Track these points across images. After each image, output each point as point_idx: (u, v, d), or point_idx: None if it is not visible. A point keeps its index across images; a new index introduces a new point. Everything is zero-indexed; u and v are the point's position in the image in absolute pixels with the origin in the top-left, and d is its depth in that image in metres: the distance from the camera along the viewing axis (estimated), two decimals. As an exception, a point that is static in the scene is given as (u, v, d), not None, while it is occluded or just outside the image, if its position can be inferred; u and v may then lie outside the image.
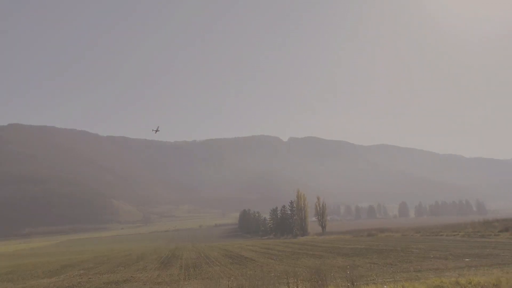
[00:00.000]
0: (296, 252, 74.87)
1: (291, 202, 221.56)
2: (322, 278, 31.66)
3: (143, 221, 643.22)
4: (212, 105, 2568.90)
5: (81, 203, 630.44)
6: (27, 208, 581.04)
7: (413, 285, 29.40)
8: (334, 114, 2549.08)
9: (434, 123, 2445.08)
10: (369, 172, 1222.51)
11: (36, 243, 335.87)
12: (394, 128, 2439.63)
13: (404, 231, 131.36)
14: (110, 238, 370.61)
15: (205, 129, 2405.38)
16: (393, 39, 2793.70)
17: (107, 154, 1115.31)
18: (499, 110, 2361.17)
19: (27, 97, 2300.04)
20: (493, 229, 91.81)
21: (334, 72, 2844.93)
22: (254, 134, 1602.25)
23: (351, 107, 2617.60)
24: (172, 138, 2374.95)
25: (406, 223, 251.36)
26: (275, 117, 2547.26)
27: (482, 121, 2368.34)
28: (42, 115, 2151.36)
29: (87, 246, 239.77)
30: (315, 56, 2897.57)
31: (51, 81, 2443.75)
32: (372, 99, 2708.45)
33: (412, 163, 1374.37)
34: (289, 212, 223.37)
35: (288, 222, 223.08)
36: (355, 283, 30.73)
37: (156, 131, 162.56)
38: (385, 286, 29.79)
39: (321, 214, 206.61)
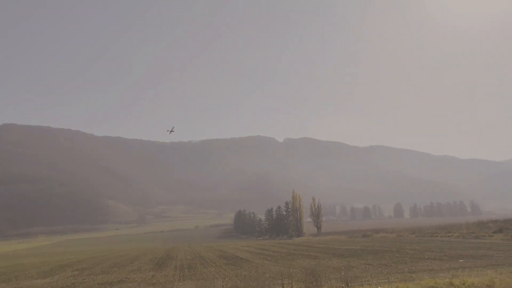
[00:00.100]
0: (291, 253, 74.86)
1: (287, 203, 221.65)
2: (317, 279, 31.67)
3: (139, 221, 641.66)
4: (209, 106, 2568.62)
5: (77, 203, 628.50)
6: (23, 208, 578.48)
7: (407, 286, 29.46)
8: (329, 115, 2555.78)
9: (428, 124, 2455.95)
10: (365, 173, 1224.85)
11: (32, 243, 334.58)
12: (389, 129, 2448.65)
13: (399, 232, 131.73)
14: (105, 238, 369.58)
15: (201, 129, 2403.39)
16: (388, 41, 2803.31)
17: (103, 154, 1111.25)
18: (494, 112, 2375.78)
19: (22, 97, 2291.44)
20: (488, 230, 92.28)
21: (330, 73, 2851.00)
22: (250, 134, 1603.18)
23: (346, 108, 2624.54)
24: (168, 139, 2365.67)
25: (401, 224, 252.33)
26: (271, 118, 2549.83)
27: (477, 123, 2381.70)
28: (37, 115, 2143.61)
29: (82, 246, 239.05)
30: (311, 58, 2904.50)
31: (47, 81, 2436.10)
32: (367, 100, 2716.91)
33: (407, 164, 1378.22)
34: (285, 212, 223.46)
35: (283, 222, 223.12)
36: (349, 284, 30.76)
37: (171, 131, 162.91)
38: (379, 287, 29.83)
39: (316, 214, 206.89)
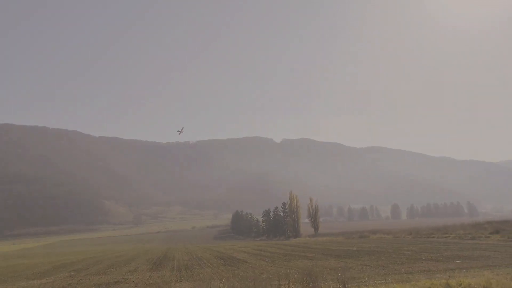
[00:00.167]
0: (288, 253, 74.89)
1: (284, 204, 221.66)
2: (314, 280, 31.70)
3: (135, 222, 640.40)
4: (206, 106, 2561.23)
5: (73, 204, 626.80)
6: (18, 208, 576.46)
7: (404, 287, 29.54)
8: (327, 116, 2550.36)
9: (426, 125, 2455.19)
10: (362, 174, 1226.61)
11: (27, 244, 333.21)
12: (387, 130, 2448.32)
13: (396, 233, 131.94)
14: (101, 239, 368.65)
15: (199, 130, 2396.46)
16: (388, 41, 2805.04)
17: (100, 155, 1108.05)
18: (492, 113, 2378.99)
19: (19, 97, 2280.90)
20: (484, 231, 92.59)
21: (328, 74, 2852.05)
22: (247, 135, 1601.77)
23: (344, 108, 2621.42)
24: (165, 139, 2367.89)
25: (398, 224, 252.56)
26: (269, 119, 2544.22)
27: (475, 124, 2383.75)
28: (34, 115, 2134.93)
29: (78, 247, 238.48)
30: (310, 58, 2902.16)
31: (44, 81, 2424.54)
32: (365, 101, 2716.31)
33: (405, 165, 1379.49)
34: (282, 213, 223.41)
35: (280, 223, 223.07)
36: (346, 285, 30.81)
37: (181, 132, 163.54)
38: (376, 288, 29.87)
39: (313, 215, 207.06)
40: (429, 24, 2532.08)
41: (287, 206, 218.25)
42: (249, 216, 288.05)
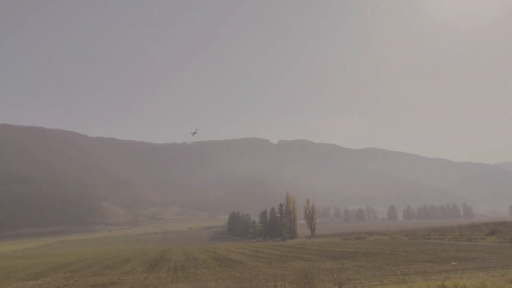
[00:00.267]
0: (284, 255, 74.84)
1: (281, 205, 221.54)
2: (310, 281, 31.69)
3: (132, 223, 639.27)
4: (203, 107, 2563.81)
5: (69, 204, 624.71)
6: (14, 209, 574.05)
7: (400, 288, 29.53)
8: (324, 117, 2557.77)
9: (423, 127, 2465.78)
10: (359, 175, 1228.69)
11: (23, 244, 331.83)
12: (384, 132, 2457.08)
13: (392, 234, 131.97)
14: (98, 240, 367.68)
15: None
16: (384, 43, 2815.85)
17: (96, 155, 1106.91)
18: (488, 115, 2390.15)
19: (16, 97, 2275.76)
20: (480, 233, 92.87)
21: (325, 76, 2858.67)
22: (244, 136, 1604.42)
23: (341, 110, 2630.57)
24: (162, 140, 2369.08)
25: (394, 226, 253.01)
26: (266, 120, 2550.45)
27: (471, 125, 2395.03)
28: (31, 115, 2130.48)
29: (74, 248, 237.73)
30: (307, 60, 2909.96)
31: (41, 81, 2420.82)
32: (362, 103, 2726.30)
33: (401, 166, 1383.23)
34: (279, 215, 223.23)
35: (277, 224, 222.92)
36: (342, 286, 30.82)
37: (194, 133, 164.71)
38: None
39: (310, 217, 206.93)
40: (428, 24, 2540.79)
41: (283, 207, 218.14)
42: (246, 217, 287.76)
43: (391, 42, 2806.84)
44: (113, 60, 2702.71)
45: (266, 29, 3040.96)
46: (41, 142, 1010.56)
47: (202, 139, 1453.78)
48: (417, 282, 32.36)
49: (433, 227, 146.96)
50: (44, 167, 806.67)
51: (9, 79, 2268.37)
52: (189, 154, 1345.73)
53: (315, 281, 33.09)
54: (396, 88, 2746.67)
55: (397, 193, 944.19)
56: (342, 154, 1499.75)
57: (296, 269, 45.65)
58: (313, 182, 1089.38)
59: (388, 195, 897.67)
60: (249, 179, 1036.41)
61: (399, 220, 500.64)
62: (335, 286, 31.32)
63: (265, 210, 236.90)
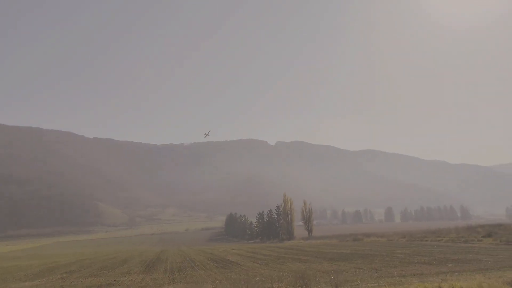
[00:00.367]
0: (281, 256, 74.82)
1: (278, 206, 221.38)
2: (307, 283, 31.69)
3: (129, 224, 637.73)
4: (201, 108, 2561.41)
5: (66, 205, 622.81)
6: (11, 210, 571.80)
7: (396, 290, 29.56)
8: (321, 118, 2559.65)
9: (419, 129, 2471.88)
10: (356, 177, 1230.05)
11: (20, 245, 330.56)
12: (381, 134, 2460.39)
13: (389, 236, 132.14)
14: (95, 241, 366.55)
15: (193, 132, 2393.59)
16: (380, 45, 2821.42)
17: (93, 156, 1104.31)
18: (485, 117, 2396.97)
19: (12, 97, 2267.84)
20: (477, 235, 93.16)
21: (323, 77, 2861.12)
22: (241, 138, 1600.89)
23: (338, 112, 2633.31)
24: (159, 141, 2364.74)
25: (391, 228, 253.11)
26: (263, 121, 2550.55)
27: (468, 128, 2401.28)
28: (27, 116, 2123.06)
29: (71, 249, 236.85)
30: (304, 61, 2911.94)
31: (37, 81, 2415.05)
32: (359, 105, 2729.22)
33: (398, 168, 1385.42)
34: (276, 216, 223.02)
35: (274, 226, 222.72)
36: (339, 288, 30.79)
37: (207, 135, 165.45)
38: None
39: (307, 218, 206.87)
40: (426, 26, 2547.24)
41: (281, 209, 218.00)
42: (243, 218, 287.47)
43: (389, 43, 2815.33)
44: (111, 62, 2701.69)
45: (263, 31, 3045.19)
46: (38, 143, 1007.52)
47: (199, 140, 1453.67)
48: (413, 284, 32.40)
49: (430, 229, 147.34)
50: (41, 168, 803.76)
51: (6, 80, 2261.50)
52: (186, 155, 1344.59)
53: (312, 283, 33.10)
54: (393, 90, 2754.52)
55: (394, 195, 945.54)
56: (340, 155, 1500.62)
57: (293, 271, 45.65)
58: (311, 183, 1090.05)
59: (385, 197, 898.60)
60: (247, 180, 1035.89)
61: (396, 222, 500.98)
62: (332, 287, 31.32)
63: (263, 212, 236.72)
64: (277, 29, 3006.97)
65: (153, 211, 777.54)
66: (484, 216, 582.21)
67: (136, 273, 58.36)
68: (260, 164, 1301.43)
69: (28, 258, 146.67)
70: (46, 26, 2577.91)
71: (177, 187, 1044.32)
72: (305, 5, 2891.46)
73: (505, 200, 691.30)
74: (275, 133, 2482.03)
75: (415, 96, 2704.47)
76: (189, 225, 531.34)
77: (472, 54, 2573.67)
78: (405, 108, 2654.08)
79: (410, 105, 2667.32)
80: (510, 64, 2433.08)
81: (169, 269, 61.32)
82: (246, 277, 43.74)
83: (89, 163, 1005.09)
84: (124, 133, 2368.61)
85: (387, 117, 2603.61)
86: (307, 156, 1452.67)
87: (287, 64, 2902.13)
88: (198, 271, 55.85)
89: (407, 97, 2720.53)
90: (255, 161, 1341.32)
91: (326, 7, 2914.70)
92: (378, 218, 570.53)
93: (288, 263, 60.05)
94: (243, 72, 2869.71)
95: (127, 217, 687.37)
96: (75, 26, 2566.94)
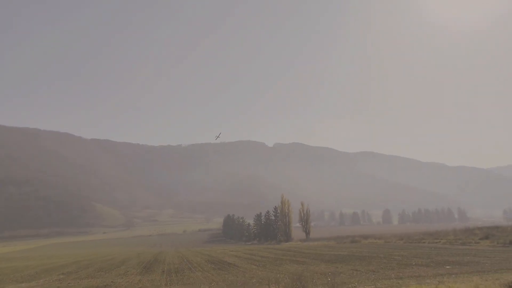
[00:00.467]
0: (279, 258, 74.76)
1: (275, 208, 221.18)
2: (304, 285, 31.67)
3: (126, 225, 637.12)
4: (199, 110, 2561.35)
5: (63, 206, 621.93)
6: (9, 210, 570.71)
7: (393, 292, 29.56)
8: (319, 120, 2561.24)
9: (418, 131, 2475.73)
10: (354, 179, 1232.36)
11: (17, 246, 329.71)
12: (379, 136, 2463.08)
13: (387, 238, 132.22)
14: (92, 242, 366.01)
15: (191, 133, 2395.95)
16: (380, 46, 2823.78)
17: (91, 157, 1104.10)
18: (483, 119, 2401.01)
19: (10, 98, 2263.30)
20: (474, 237, 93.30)
21: (321, 79, 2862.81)
22: (240, 139, 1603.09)
23: (336, 113, 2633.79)
24: (157, 142, 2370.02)
25: (389, 230, 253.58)
26: (261, 123, 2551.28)
27: (466, 130, 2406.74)
28: (25, 117, 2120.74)
29: (68, 250, 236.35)
30: (302, 63, 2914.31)
31: (35, 82, 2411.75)
32: (357, 106, 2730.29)
33: (396, 170, 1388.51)
34: (273, 217, 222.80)
35: (272, 227, 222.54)
36: (336, 290, 30.77)
37: (217, 137, 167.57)
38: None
39: (305, 220, 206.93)
40: (426, 26, 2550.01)
41: (278, 210, 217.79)
42: (241, 220, 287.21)
43: (388, 44, 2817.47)
44: (109, 62, 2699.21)
45: (260, 32, 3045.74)
46: (35, 144, 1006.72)
47: (197, 142, 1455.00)
48: (411, 285, 32.43)
49: (427, 231, 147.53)
50: (38, 169, 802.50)
51: (3, 81, 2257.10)
52: (184, 156, 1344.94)
53: (309, 285, 33.09)
54: (392, 92, 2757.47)
55: (392, 196, 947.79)
56: (338, 157, 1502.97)
57: (290, 272, 45.63)
58: (308, 185, 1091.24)
59: (383, 199, 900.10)
60: (245, 182, 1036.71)
61: (394, 224, 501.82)
62: (329, 289, 31.31)
63: (260, 213, 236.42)
64: (274, 30, 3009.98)
65: (151, 212, 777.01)
66: (482, 218, 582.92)
67: (134, 274, 58.24)
68: (258, 165, 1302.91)
69: (25, 259, 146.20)
70: (44, 26, 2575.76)
71: (175, 189, 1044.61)
72: (302, 7, 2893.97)
73: (503, 202, 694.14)
74: (273, 135, 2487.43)
75: (413, 97, 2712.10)
76: (187, 227, 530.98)
77: (471, 55, 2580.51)
78: (403, 110, 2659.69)
79: (408, 107, 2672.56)
80: (509, 65, 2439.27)
81: (167, 270, 61.21)
82: (243, 278, 43.73)
83: (86, 164, 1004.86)
84: (122, 134, 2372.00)
85: (385, 118, 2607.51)
86: (305, 157, 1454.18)
87: (285, 66, 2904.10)
88: (195, 272, 55.77)
89: (405, 98, 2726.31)
90: (253, 162, 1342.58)
91: (323, 8, 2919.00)
92: (376, 220, 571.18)
93: (285, 264, 60.01)
94: (241, 74, 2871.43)
95: (125, 218, 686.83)
96: (72, 26, 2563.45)
